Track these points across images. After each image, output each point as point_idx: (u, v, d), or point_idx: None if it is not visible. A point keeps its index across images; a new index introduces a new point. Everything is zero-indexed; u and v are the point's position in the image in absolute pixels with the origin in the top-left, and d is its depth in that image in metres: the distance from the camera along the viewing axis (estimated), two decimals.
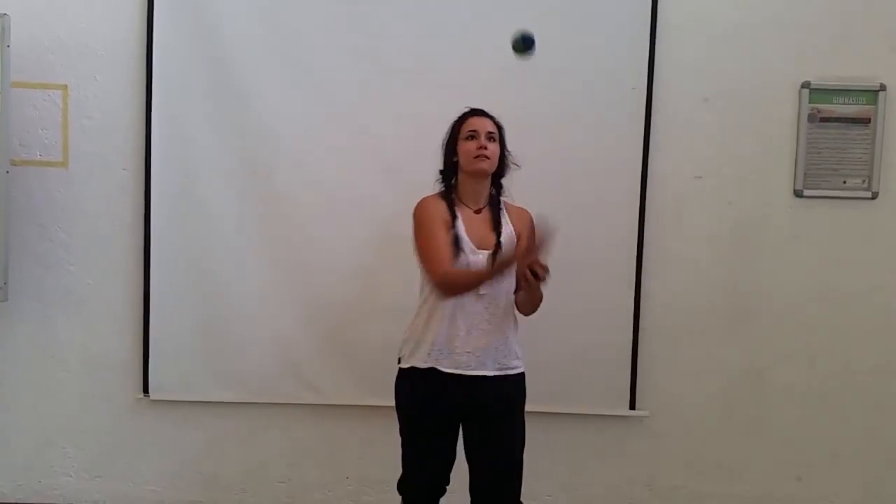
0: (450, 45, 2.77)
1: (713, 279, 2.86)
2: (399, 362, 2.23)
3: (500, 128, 2.25)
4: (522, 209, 2.30)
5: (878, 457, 2.90)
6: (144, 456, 2.95)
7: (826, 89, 2.79)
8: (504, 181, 2.30)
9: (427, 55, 2.76)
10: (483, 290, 2.14)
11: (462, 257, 2.14)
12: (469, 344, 2.15)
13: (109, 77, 2.84)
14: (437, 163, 2.75)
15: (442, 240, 2.14)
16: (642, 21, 2.76)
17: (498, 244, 2.17)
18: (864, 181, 2.82)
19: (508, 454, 2.22)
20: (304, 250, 2.81)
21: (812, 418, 2.89)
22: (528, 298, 2.20)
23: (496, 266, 2.08)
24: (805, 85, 2.79)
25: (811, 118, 2.80)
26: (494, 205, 2.25)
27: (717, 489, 2.93)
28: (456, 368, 2.15)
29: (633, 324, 2.84)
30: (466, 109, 2.27)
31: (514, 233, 2.22)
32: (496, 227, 2.20)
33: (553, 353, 2.83)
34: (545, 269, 2.03)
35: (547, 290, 2.75)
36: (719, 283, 2.86)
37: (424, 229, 2.18)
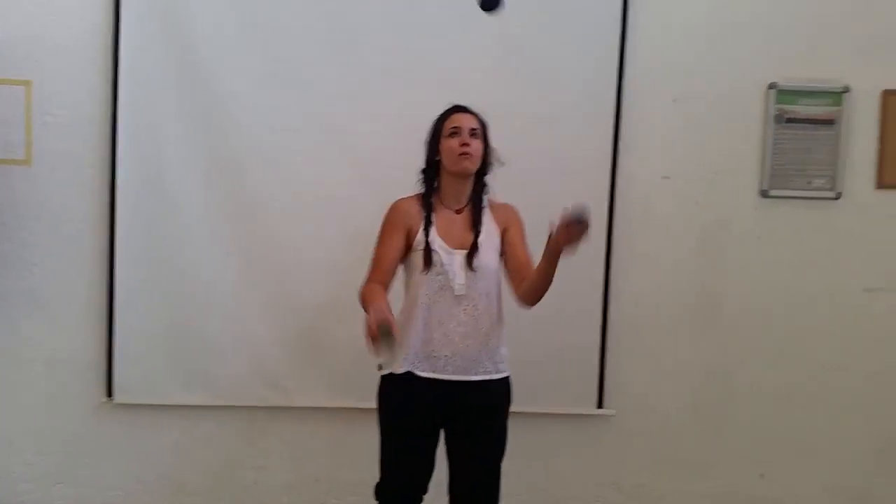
0: (423, 44, 2.76)
1: (680, 279, 2.88)
2: (379, 369, 2.19)
3: (483, 124, 2.21)
4: (506, 205, 2.27)
5: (839, 454, 2.96)
6: (108, 461, 2.89)
7: (792, 91, 2.83)
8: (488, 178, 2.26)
9: (401, 53, 2.75)
10: (458, 290, 2.11)
11: (435, 258, 2.11)
12: (447, 347, 2.12)
13: (75, 73, 2.77)
14: (411, 161, 2.74)
15: (385, 251, 2.13)
16: (612, 22, 2.78)
17: (474, 244, 2.14)
18: (828, 182, 2.87)
19: (488, 462, 2.21)
20: (274, 250, 2.78)
21: (775, 417, 2.93)
22: (543, 277, 2.07)
23: (367, 310, 1.96)
24: (772, 86, 2.83)
25: (777, 119, 2.84)
26: (476, 204, 2.20)
27: (682, 487, 2.96)
28: (434, 373, 2.13)
29: (602, 323, 2.86)
30: (450, 106, 2.22)
31: (496, 231, 2.20)
32: (475, 226, 2.16)
33: (521, 352, 2.80)
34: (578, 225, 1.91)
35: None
36: (686, 283, 2.89)
37: (381, 234, 2.18)
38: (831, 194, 2.87)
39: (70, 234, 2.82)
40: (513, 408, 2.83)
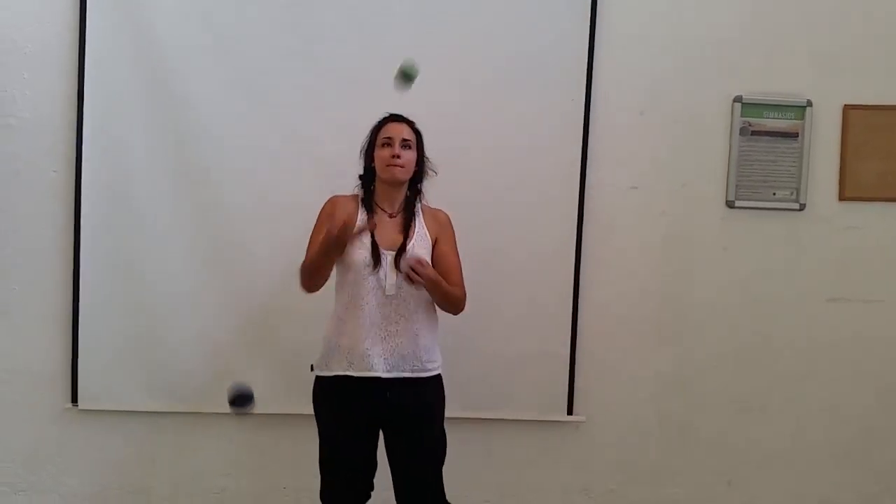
0: (387, 50, 2.74)
1: (647, 287, 2.91)
2: (312, 370, 2.23)
3: (417, 134, 2.27)
4: (438, 211, 2.33)
5: (804, 461, 3.00)
6: (72, 468, 2.85)
7: (757, 104, 2.88)
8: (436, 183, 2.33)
9: (364, 59, 2.74)
10: (389, 290, 2.15)
11: (367, 258, 2.14)
12: (378, 345, 2.15)
13: (38, 75, 2.74)
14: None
15: (315, 242, 2.18)
16: (581, 34, 2.80)
17: (403, 245, 2.17)
18: (792, 193, 2.92)
19: (429, 457, 2.24)
20: (238, 255, 2.76)
21: (742, 424, 2.97)
22: (431, 295, 2.21)
23: (321, 243, 2.09)
24: (737, 99, 2.88)
25: (743, 132, 2.89)
26: (409, 209, 2.26)
27: (651, 493, 2.99)
28: (366, 371, 2.15)
29: (571, 331, 2.87)
30: (386, 114, 2.28)
31: (427, 236, 2.25)
32: (406, 230, 2.22)
33: (492, 359, 2.85)
34: (416, 269, 2.07)
35: (487, 296, 2.80)
36: (653, 292, 2.92)
37: (317, 224, 2.25)
38: (795, 205, 2.92)
39: (33, 239, 2.78)
40: (484, 414, 2.87)
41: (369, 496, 2.24)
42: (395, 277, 2.15)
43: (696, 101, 2.88)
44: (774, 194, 2.92)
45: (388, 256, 2.17)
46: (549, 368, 2.88)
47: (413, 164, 2.23)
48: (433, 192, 2.75)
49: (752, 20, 2.87)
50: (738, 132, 2.88)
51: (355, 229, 2.10)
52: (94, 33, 2.70)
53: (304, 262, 2.19)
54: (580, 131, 2.82)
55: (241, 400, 2.29)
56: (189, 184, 2.74)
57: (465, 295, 2.29)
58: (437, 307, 2.27)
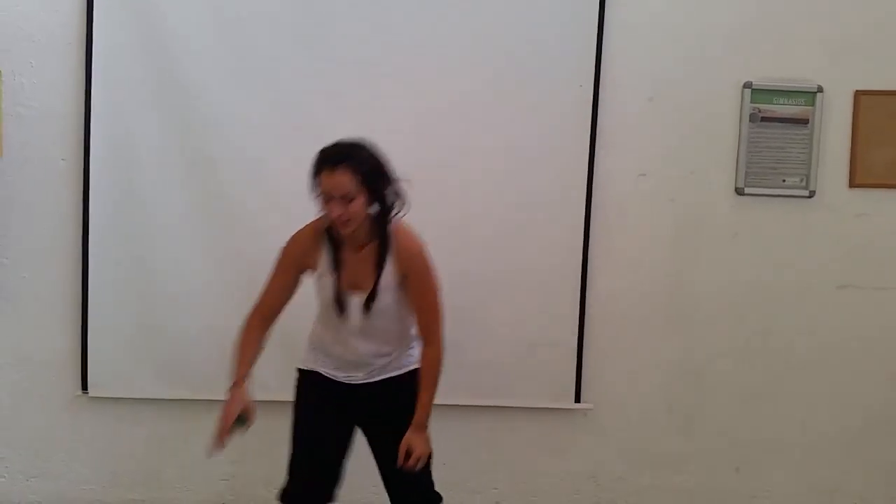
0: (396, 37, 2.75)
1: (656, 275, 2.90)
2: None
3: (362, 171, 1.94)
4: (411, 245, 2.06)
5: (813, 449, 2.99)
6: (82, 455, 2.88)
7: (767, 90, 2.85)
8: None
9: (375, 46, 2.74)
10: (352, 331, 2.10)
11: (328, 293, 2.08)
12: (349, 365, 2.14)
13: (47, 63, 2.74)
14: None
15: (275, 286, 2.10)
16: (590, 20, 2.78)
17: (374, 290, 2.04)
18: (801, 180, 2.90)
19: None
20: (247, 244, 2.76)
21: (750, 411, 2.97)
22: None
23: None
24: (747, 85, 2.85)
25: (752, 118, 2.87)
26: (381, 244, 2.04)
27: (659, 481, 2.99)
28: (335, 377, 2.15)
29: (579, 319, 2.87)
30: (320, 154, 1.98)
31: (393, 274, 2.06)
32: (377, 269, 2.04)
33: (500, 346, 2.86)
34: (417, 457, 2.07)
35: (496, 284, 2.80)
36: (662, 279, 2.91)
37: (276, 266, 2.12)
38: (805, 192, 2.90)
39: (42, 227, 2.79)
40: (493, 402, 2.88)
41: (332, 496, 2.20)
42: (360, 318, 2.07)
43: (705, 88, 2.85)
44: (784, 181, 2.90)
45: (354, 298, 2.06)
46: (558, 356, 2.88)
47: (362, 213, 1.96)
48: (441, 181, 2.76)
49: (761, 5, 2.84)
50: (747, 118, 2.86)
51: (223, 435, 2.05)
52: (101, 22, 2.70)
53: (239, 339, 2.11)
54: (589, 118, 2.80)
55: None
56: (197, 172, 2.74)
57: (440, 353, 2.14)
58: (406, 318, 2.17)
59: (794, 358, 2.96)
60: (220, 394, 2.78)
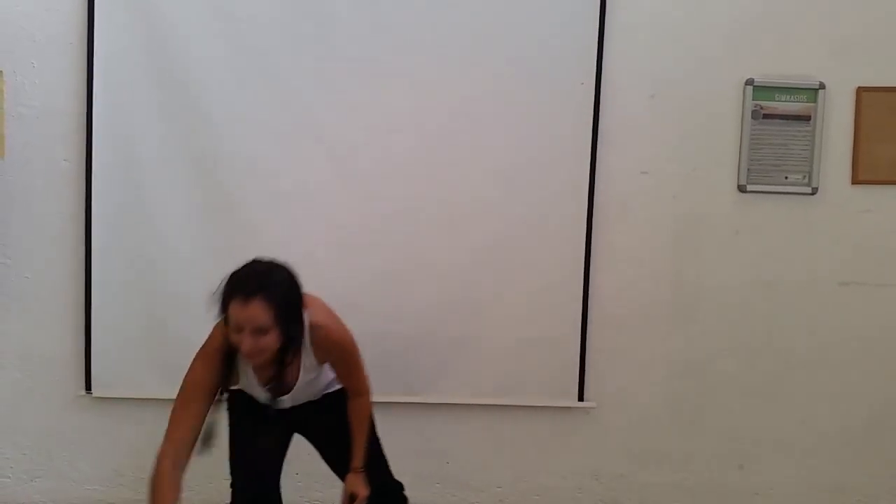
0: (398, 35, 2.75)
1: (658, 273, 2.90)
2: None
3: (278, 303, 1.85)
4: (327, 335, 2.02)
5: (816, 446, 2.99)
6: (86, 455, 2.88)
7: (769, 87, 2.85)
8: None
9: (377, 45, 2.74)
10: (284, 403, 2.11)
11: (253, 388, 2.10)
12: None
13: (48, 63, 2.74)
14: (384, 153, 2.75)
15: (179, 421, 1.96)
16: (591, 17, 2.78)
17: (278, 392, 2.06)
18: (804, 177, 2.90)
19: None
20: (249, 242, 2.75)
21: (753, 409, 2.97)
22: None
23: None
24: (749, 82, 2.85)
25: (754, 115, 2.86)
26: (285, 357, 1.97)
27: (661, 478, 2.99)
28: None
29: (582, 317, 2.87)
30: (231, 279, 1.88)
31: (316, 364, 2.08)
32: (294, 368, 2.03)
33: (502, 345, 2.86)
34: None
35: (498, 282, 2.80)
36: (664, 277, 2.91)
37: (177, 400, 2.01)
38: (807, 189, 2.90)
39: (45, 227, 2.80)
40: (495, 400, 2.88)
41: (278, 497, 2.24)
42: (286, 404, 2.13)
43: (707, 85, 2.85)
44: (786, 178, 2.89)
45: (283, 398, 2.10)
46: (560, 354, 2.88)
47: (274, 345, 1.88)
48: (443, 180, 2.77)
49: (763, 2, 2.83)
50: (749, 116, 2.86)
51: None
52: (103, 22, 2.70)
53: (151, 489, 1.99)
54: (590, 116, 2.80)
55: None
56: (200, 171, 2.74)
57: (369, 396, 2.18)
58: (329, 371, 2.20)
59: (797, 355, 2.96)
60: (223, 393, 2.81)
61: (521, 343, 2.85)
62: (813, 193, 2.90)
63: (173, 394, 2.79)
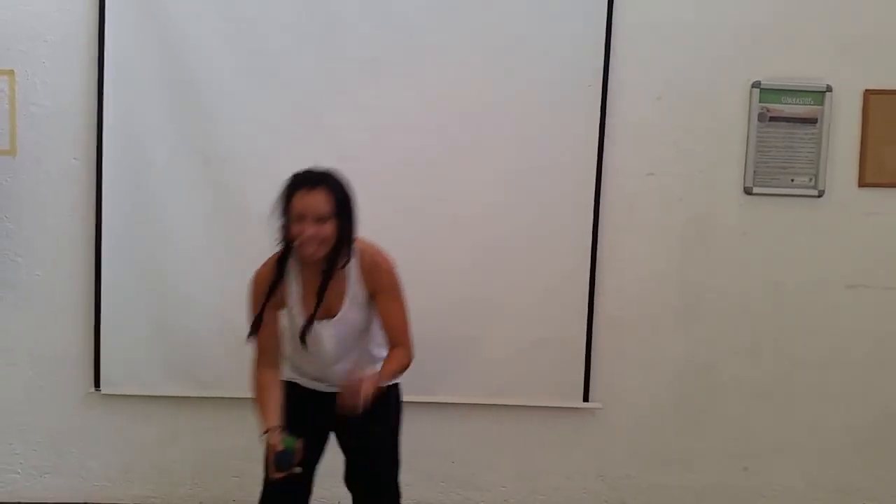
0: (406, 36, 2.76)
1: (664, 274, 2.91)
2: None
3: (337, 196, 1.95)
4: (377, 262, 2.06)
5: (821, 448, 2.99)
6: (95, 451, 2.91)
7: (775, 89, 2.85)
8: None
9: (385, 47, 2.75)
10: (325, 354, 2.06)
11: (293, 327, 2.07)
12: (320, 380, 2.14)
13: (59, 63, 2.77)
14: (391, 154, 2.76)
15: (261, 331, 2.04)
16: (598, 20, 2.79)
17: (311, 318, 2.00)
18: (810, 179, 2.90)
19: (380, 455, 2.21)
20: (257, 241, 2.73)
21: (758, 411, 2.97)
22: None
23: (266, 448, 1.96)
24: (755, 85, 2.85)
25: (761, 117, 2.87)
26: (334, 268, 1.99)
27: (667, 479, 3.00)
28: (313, 385, 2.15)
29: (588, 318, 2.88)
30: (297, 176, 1.97)
31: (363, 293, 2.06)
32: (319, 296, 1.99)
33: (508, 345, 2.87)
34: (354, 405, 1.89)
35: (504, 283, 2.81)
36: (670, 278, 2.91)
37: (250, 313, 2.07)
38: (814, 192, 2.90)
39: (55, 226, 2.82)
40: (501, 400, 2.89)
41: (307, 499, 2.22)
42: (329, 345, 2.06)
43: (713, 87, 2.86)
44: (793, 181, 2.90)
45: (324, 325, 2.03)
46: (566, 355, 2.88)
47: (332, 237, 1.95)
48: (451, 180, 2.78)
49: (770, 5, 2.84)
50: (756, 118, 2.86)
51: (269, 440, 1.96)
52: (113, 21, 2.73)
53: (255, 395, 2.06)
54: (597, 117, 2.81)
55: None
56: (209, 170, 2.76)
57: (409, 353, 2.10)
58: (377, 333, 2.14)
59: (803, 357, 2.96)
60: (232, 391, 2.84)
61: (527, 343, 2.86)
62: (819, 196, 2.90)
63: (181, 391, 2.84)
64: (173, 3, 2.72)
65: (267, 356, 2.09)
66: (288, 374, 2.18)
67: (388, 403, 2.19)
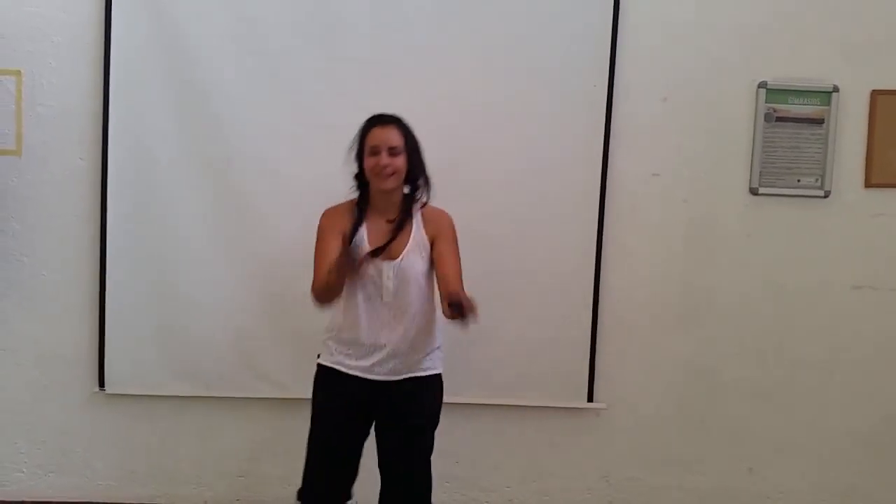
0: (412, 37, 2.76)
1: (669, 275, 2.90)
2: (318, 357, 2.25)
3: (406, 134, 2.17)
4: (441, 213, 2.25)
5: (826, 449, 2.98)
6: (100, 451, 2.91)
7: (782, 90, 2.84)
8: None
9: (389, 48, 2.75)
10: (387, 297, 2.13)
11: (364, 267, 2.10)
12: (377, 352, 2.15)
13: (65, 63, 2.78)
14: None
15: (325, 254, 2.13)
16: (604, 20, 2.78)
17: (380, 249, 2.10)
18: (817, 180, 2.89)
19: (417, 456, 2.22)
20: (262, 242, 2.79)
21: (763, 412, 2.96)
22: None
23: (335, 264, 2.03)
24: (762, 85, 2.84)
25: (767, 118, 2.86)
26: (406, 212, 2.19)
27: (671, 481, 2.99)
28: (362, 373, 2.17)
29: (592, 319, 2.87)
30: (371, 117, 2.20)
31: (425, 240, 2.19)
32: (394, 233, 2.15)
33: (512, 345, 2.87)
34: (468, 306, 1.94)
35: (509, 282, 2.81)
36: (675, 279, 2.90)
37: (318, 241, 2.20)
38: (820, 193, 2.89)
39: (61, 226, 2.83)
40: (505, 401, 2.89)
41: (350, 493, 2.24)
42: (392, 285, 2.13)
43: (719, 87, 2.85)
44: (799, 181, 2.89)
45: (384, 265, 2.12)
46: (570, 356, 2.88)
47: (403, 169, 2.16)
48: (456, 181, 2.77)
49: (776, 5, 2.83)
50: (762, 118, 2.85)
51: (359, 252, 2.06)
52: (119, 22, 2.73)
53: (316, 283, 2.14)
54: (603, 118, 2.80)
55: None
56: (213, 171, 2.77)
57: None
58: (435, 309, 2.22)
59: (808, 358, 2.95)
60: (236, 391, 2.85)
61: (532, 344, 2.86)
62: (825, 197, 2.89)
63: (186, 391, 2.85)
64: (179, 5, 2.73)
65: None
66: (333, 356, 2.20)
67: (434, 399, 2.25)
